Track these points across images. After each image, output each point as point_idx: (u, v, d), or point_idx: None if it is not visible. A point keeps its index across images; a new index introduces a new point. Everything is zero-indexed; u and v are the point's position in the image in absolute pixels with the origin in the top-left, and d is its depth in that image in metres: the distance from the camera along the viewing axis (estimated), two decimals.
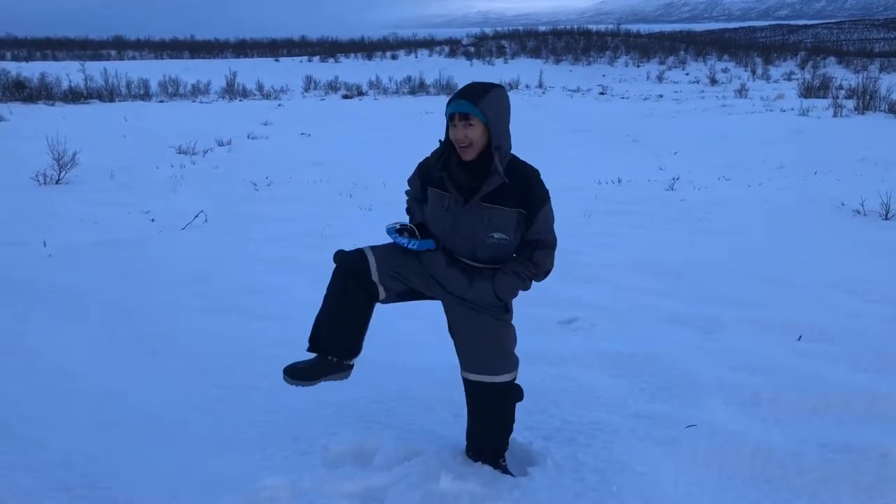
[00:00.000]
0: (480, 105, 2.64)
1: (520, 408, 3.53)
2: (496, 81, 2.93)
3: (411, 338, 4.77)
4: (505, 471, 3.08)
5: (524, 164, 2.85)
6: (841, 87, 30.45)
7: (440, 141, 2.84)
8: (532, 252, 2.84)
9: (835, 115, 21.44)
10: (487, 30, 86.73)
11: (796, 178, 11.75)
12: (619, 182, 11.67)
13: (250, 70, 44.55)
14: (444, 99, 31.75)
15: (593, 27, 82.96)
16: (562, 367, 4.21)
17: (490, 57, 65.09)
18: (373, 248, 2.94)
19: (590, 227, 8.16)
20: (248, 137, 17.34)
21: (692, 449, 3.21)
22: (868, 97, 22.82)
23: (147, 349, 4.47)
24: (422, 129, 20.31)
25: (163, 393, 3.87)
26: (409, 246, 2.86)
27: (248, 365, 4.24)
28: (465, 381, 2.99)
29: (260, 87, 34.24)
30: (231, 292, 5.71)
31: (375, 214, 9.02)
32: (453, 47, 70.27)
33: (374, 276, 2.87)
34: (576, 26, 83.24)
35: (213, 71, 41.70)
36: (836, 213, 8.67)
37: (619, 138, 18.52)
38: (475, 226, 2.77)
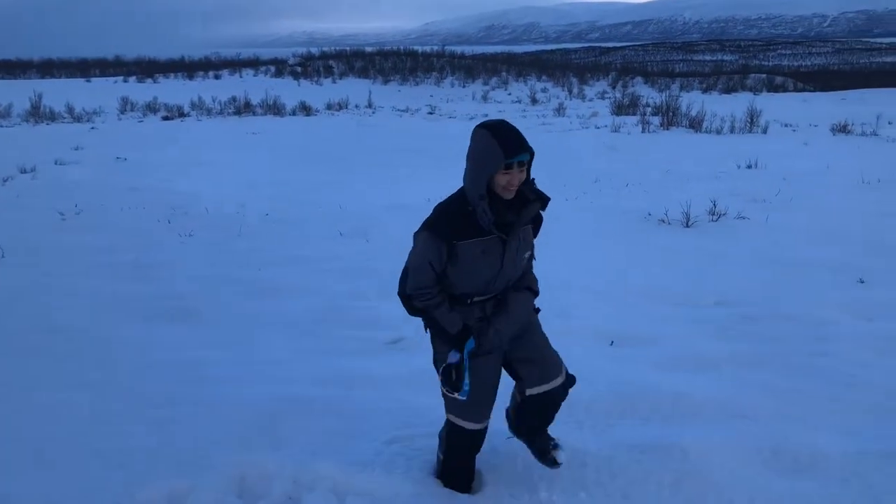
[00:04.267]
0: (531, 150, 2.75)
1: (341, 433, 3.46)
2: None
3: (223, 371, 4.57)
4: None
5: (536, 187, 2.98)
6: (648, 105, 32.82)
7: (465, 191, 2.82)
8: (531, 263, 3.07)
9: (643, 130, 23.05)
10: (314, 50, 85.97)
11: (609, 191, 12.48)
12: None
13: (59, 91, 41.34)
14: (272, 119, 31.11)
15: (419, 48, 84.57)
16: (386, 389, 4.17)
17: (318, 77, 64.61)
18: (473, 412, 3.00)
19: None
20: (56, 163, 16.07)
21: (512, 460, 3.26)
22: (671, 114, 24.74)
23: None
24: (248, 150, 19.75)
25: None
26: (466, 367, 2.86)
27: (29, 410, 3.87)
28: (534, 396, 3.07)
29: (70, 110, 31.87)
30: (26, 332, 5.21)
31: (196, 241, 8.61)
32: (279, 67, 69.08)
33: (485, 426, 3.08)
34: (402, 47, 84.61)
35: (14, 92, 38.37)
36: (644, 222, 9.27)
37: (449, 156, 18.88)
38: (516, 252, 2.88)
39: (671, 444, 3.36)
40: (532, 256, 3.07)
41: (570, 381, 3.18)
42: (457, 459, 3.16)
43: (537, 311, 3.15)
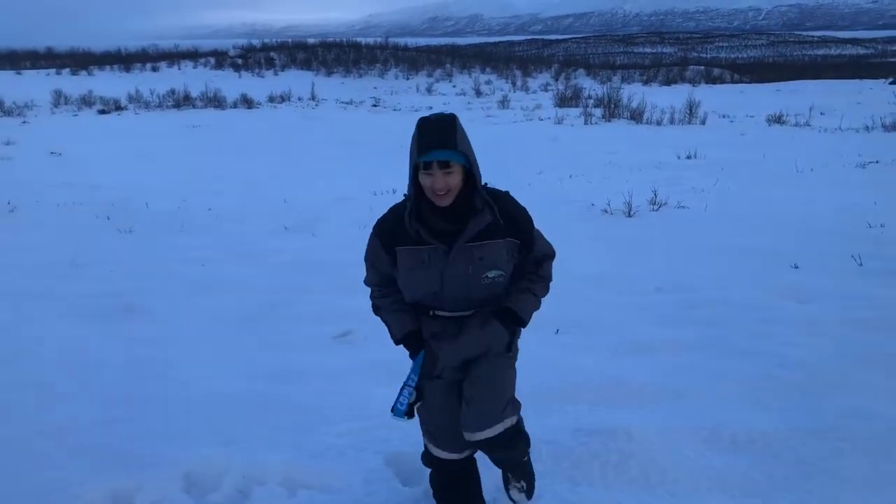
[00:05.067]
0: (459, 148, 2.42)
1: (291, 427, 3.46)
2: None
3: (170, 369, 4.52)
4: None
5: (494, 190, 2.64)
6: (590, 97, 33.28)
7: (405, 195, 2.57)
8: (538, 266, 2.78)
9: (586, 122, 23.40)
10: (255, 41, 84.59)
11: (553, 182, 12.63)
12: (394, 192, 11.88)
13: None
14: (213, 112, 30.58)
15: (362, 40, 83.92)
16: (336, 382, 4.18)
17: (259, 69, 63.56)
18: (437, 437, 2.79)
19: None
20: None
21: None
22: (613, 106, 25.15)
23: None
24: (188, 143, 19.38)
25: None
26: (410, 385, 2.67)
27: None
28: (478, 442, 2.71)
29: None
30: None
31: (136, 237, 8.44)
32: (220, 59, 67.64)
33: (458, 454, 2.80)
34: (345, 39, 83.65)
35: None
36: (587, 212, 9.42)
37: (394, 149, 18.85)
38: (466, 270, 2.56)
39: (615, 427, 3.45)
40: (528, 262, 2.74)
41: (519, 438, 2.85)
42: (440, 494, 2.91)
43: (509, 346, 2.77)
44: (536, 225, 2.73)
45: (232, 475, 3.21)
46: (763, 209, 9.15)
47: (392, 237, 2.61)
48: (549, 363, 4.34)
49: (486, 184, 2.61)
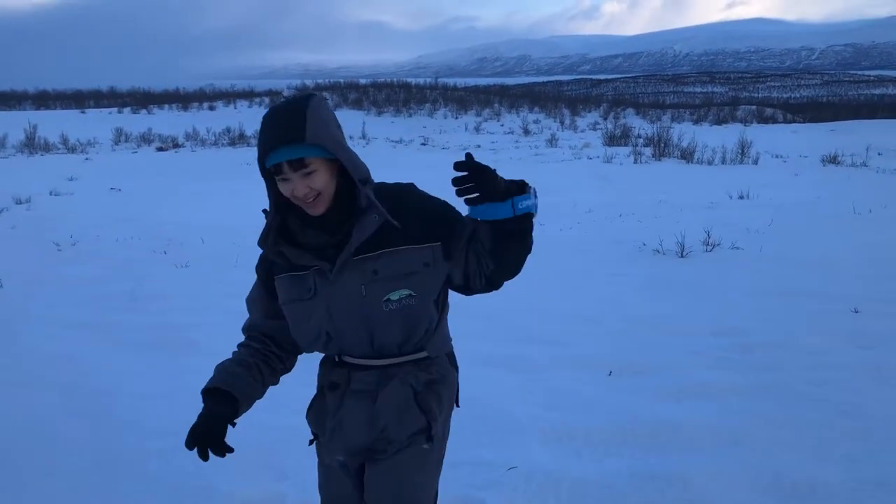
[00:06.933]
0: (311, 138, 1.79)
1: None
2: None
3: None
4: None
5: (392, 185, 2.07)
6: (639, 136, 33.15)
7: (265, 211, 2.00)
8: (436, 317, 2.07)
9: (635, 161, 23.30)
10: (308, 81, 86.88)
11: (603, 221, 12.57)
12: None
13: (53, 122, 41.48)
14: None
15: (412, 80, 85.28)
16: None
17: None
18: None
19: None
20: (51, 194, 16.18)
21: (513, 491, 3.28)
22: (663, 145, 25.02)
23: None
24: (242, 180, 19.82)
25: None
26: None
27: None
28: None
29: (65, 141, 32.00)
30: (22, 362, 5.22)
31: (192, 271, 8.63)
32: (274, 98, 69.50)
33: None
34: (395, 79, 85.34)
35: (9, 123, 38.44)
36: (638, 252, 9.34)
37: (441, 187, 19.02)
38: (358, 291, 1.92)
39: (672, 473, 3.38)
40: (433, 299, 2.01)
41: None
42: None
43: (427, 431, 2.01)
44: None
45: None
46: (819, 251, 8.94)
47: (269, 266, 2.05)
48: (602, 405, 4.28)
49: (380, 182, 2.05)
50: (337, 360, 2.05)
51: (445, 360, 2.13)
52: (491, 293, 2.07)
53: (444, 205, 2.02)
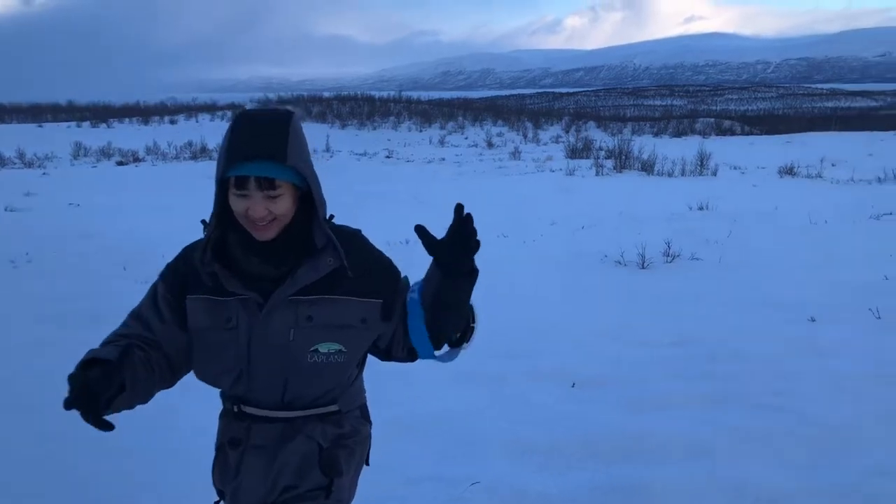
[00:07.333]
0: (291, 159, 1.63)
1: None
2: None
3: (178, 419, 4.49)
4: None
5: (341, 227, 1.88)
6: (601, 149, 33.47)
7: (203, 222, 1.80)
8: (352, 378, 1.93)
9: (597, 174, 23.52)
10: (271, 94, 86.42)
11: (566, 234, 12.65)
12: (407, 243, 11.92)
13: (9, 136, 40.68)
14: None
15: (376, 93, 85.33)
16: None
17: None
18: None
19: None
20: (7, 210, 15.79)
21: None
22: (624, 157, 25.31)
23: None
24: (205, 194, 19.59)
25: None
26: None
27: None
28: None
29: (21, 155, 31.32)
30: None
31: None
32: (236, 112, 69.13)
33: None
34: (359, 92, 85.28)
35: None
36: (600, 264, 9.41)
37: (405, 199, 19.01)
38: (286, 335, 1.73)
39: (634, 485, 3.40)
40: (358, 358, 1.86)
41: None
42: None
43: (327, 488, 1.83)
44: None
45: None
46: (777, 261, 9.10)
47: (183, 281, 1.80)
48: (565, 418, 4.29)
49: (332, 216, 1.85)
50: (236, 411, 1.85)
51: (358, 413, 1.95)
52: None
53: (391, 262, 1.91)
